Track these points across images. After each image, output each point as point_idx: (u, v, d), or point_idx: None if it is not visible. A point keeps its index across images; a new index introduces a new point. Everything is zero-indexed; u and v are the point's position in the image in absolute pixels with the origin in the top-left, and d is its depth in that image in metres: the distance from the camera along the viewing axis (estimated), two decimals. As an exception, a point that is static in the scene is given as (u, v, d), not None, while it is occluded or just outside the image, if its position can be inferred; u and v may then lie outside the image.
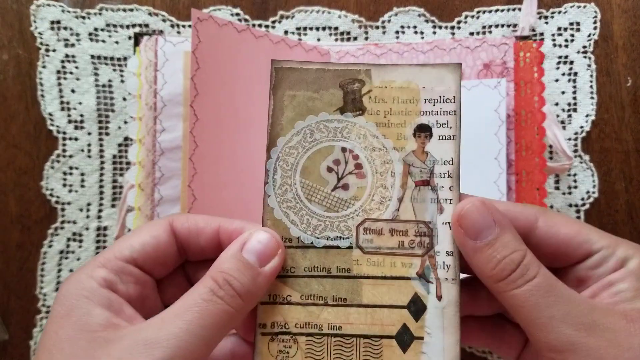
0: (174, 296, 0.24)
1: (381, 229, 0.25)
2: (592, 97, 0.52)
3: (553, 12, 0.53)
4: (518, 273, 0.22)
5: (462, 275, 0.25)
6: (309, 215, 0.25)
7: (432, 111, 0.25)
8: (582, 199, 0.51)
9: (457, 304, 0.24)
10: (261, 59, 0.46)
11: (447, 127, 0.25)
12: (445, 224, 0.25)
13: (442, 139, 0.25)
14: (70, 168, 0.51)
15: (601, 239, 0.24)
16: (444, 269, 0.24)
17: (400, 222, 0.25)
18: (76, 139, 0.51)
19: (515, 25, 0.52)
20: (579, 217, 0.51)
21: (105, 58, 0.51)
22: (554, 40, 0.52)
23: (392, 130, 0.25)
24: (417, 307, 0.24)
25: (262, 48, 0.46)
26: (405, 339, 0.24)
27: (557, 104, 0.52)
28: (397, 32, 0.53)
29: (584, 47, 0.52)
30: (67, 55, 0.51)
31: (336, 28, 0.53)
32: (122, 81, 0.51)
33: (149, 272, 0.25)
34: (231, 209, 0.43)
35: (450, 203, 0.25)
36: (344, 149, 0.25)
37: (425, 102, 0.25)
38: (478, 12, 0.53)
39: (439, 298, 0.24)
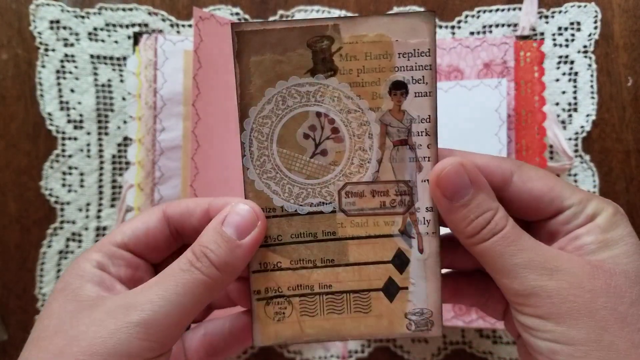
0: None
1: (362, 191, 0.25)
2: (592, 97, 0.52)
3: (553, 12, 0.52)
4: (487, 229, 0.23)
5: (442, 230, 0.26)
6: (290, 184, 0.25)
7: (406, 66, 0.24)
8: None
9: (437, 254, 0.26)
10: None
11: (423, 82, 0.25)
12: (424, 181, 0.25)
13: (418, 96, 0.25)
14: (70, 168, 0.51)
15: (573, 195, 0.25)
16: (424, 224, 0.25)
17: (381, 183, 0.25)
18: (75, 138, 0.51)
19: (515, 25, 0.52)
20: (579, 217, 0.51)
21: (105, 57, 0.51)
22: (554, 39, 0.52)
23: (366, 90, 0.24)
24: (401, 261, 0.25)
25: None
26: (391, 290, 0.26)
27: (557, 104, 0.52)
28: (397, 31, 0.53)
29: (585, 46, 0.52)
30: (66, 55, 0.51)
31: (336, 27, 0.53)
32: (122, 81, 0.51)
33: (141, 255, 0.27)
34: None
35: (429, 161, 0.25)
36: (318, 114, 0.25)
37: (399, 57, 0.24)
38: (478, 11, 0.53)
39: (421, 251, 0.26)
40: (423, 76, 0.24)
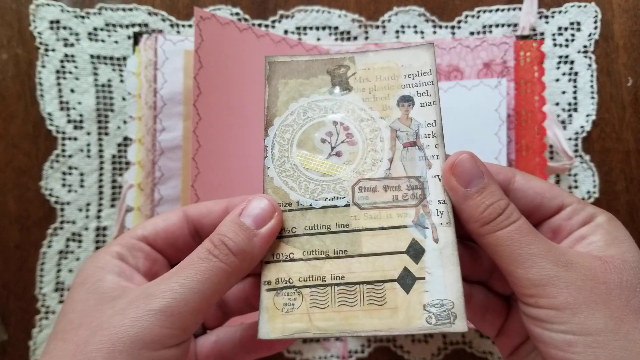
0: None
1: (375, 186, 0.26)
2: (592, 97, 0.52)
3: (554, 12, 0.52)
4: (503, 216, 0.24)
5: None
6: (307, 181, 0.26)
7: (412, 84, 0.27)
8: (583, 199, 0.51)
9: (453, 244, 0.25)
10: (262, 58, 0.46)
11: (427, 95, 0.27)
12: (435, 177, 0.26)
13: (424, 105, 0.27)
14: (70, 168, 0.51)
15: (571, 196, 0.26)
16: (437, 215, 0.26)
17: (393, 179, 0.26)
18: (75, 138, 0.51)
19: (515, 25, 0.52)
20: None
21: (105, 58, 0.51)
22: (554, 39, 0.52)
23: (377, 103, 0.27)
24: (415, 251, 0.25)
25: (263, 47, 0.46)
26: (407, 280, 0.25)
27: (557, 104, 0.52)
28: (397, 31, 0.53)
29: (585, 46, 0.52)
30: (66, 55, 0.51)
31: (336, 28, 0.53)
32: (122, 81, 0.51)
33: (160, 250, 0.28)
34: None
35: (437, 159, 0.26)
36: (335, 122, 0.27)
37: (405, 77, 0.27)
38: (478, 11, 0.53)
39: (436, 241, 0.25)
40: (427, 90, 0.27)
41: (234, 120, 0.44)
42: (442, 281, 0.25)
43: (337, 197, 0.26)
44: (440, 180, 0.26)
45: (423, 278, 0.25)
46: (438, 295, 0.24)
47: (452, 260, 0.25)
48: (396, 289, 0.25)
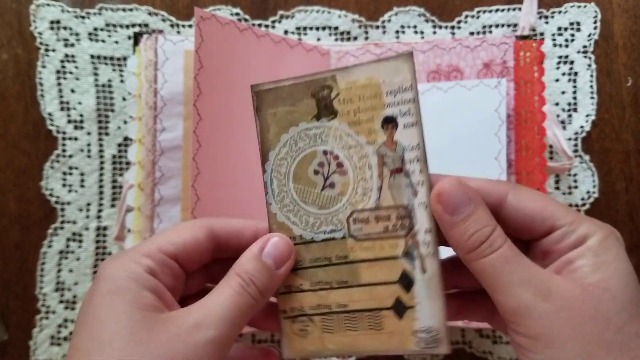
0: (193, 287, 0.29)
1: (367, 217, 0.28)
2: (592, 97, 0.52)
3: (553, 12, 0.52)
4: (486, 244, 0.24)
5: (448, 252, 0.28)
6: (306, 215, 0.28)
7: (394, 102, 0.27)
8: (583, 199, 0.51)
9: (438, 274, 0.27)
10: (262, 58, 0.46)
11: (409, 114, 0.27)
12: (420, 204, 0.27)
13: (406, 127, 0.27)
14: (70, 168, 0.51)
15: (566, 216, 0.25)
16: (424, 245, 0.27)
17: (383, 209, 0.28)
18: (76, 138, 0.51)
19: (515, 25, 0.52)
20: (579, 217, 0.51)
21: (105, 58, 0.51)
22: (554, 40, 0.52)
23: (363, 127, 0.28)
24: (406, 281, 0.27)
25: (264, 47, 0.46)
26: (399, 309, 0.27)
27: (557, 104, 0.52)
28: (397, 31, 0.53)
29: (585, 47, 0.52)
30: (66, 55, 0.51)
31: (336, 28, 0.53)
32: (122, 81, 0.51)
33: (182, 266, 0.28)
34: (236, 209, 0.43)
35: (422, 185, 0.27)
36: (325, 152, 0.28)
37: (387, 95, 0.27)
38: (478, 11, 0.53)
39: (424, 271, 0.27)
40: (409, 108, 0.27)
41: (234, 120, 0.44)
42: (429, 311, 0.27)
43: (335, 230, 0.28)
44: (426, 208, 0.27)
45: (413, 307, 0.27)
46: (426, 323, 0.27)
47: (437, 291, 0.27)
48: (391, 316, 0.27)
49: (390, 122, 0.27)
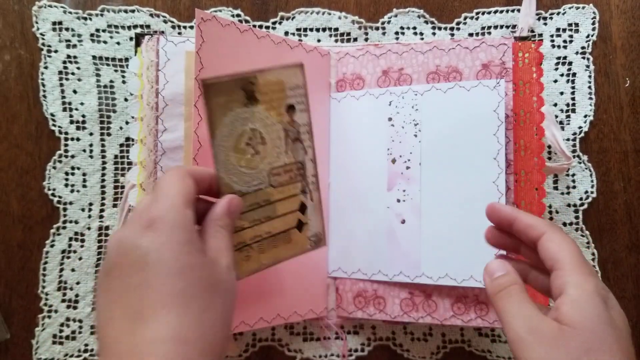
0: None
1: (279, 172, 0.40)
2: (590, 98, 0.52)
3: (552, 13, 0.53)
4: (505, 292, 0.35)
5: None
6: (242, 175, 0.38)
7: (292, 95, 0.40)
8: (581, 199, 0.52)
9: (319, 200, 0.42)
10: (263, 59, 0.47)
11: (302, 104, 0.40)
12: (309, 160, 0.41)
13: (301, 112, 0.40)
14: (72, 168, 0.51)
15: (565, 266, 0.33)
16: (312, 184, 0.42)
17: (288, 165, 0.40)
18: (78, 139, 0.51)
19: (514, 27, 0.53)
20: (577, 217, 0.52)
21: (107, 59, 0.52)
22: (552, 41, 0.53)
23: (275, 111, 0.39)
24: (303, 208, 0.42)
25: (264, 48, 0.47)
26: (300, 226, 0.42)
27: (555, 105, 0.52)
28: (396, 33, 0.53)
29: (583, 48, 0.53)
30: (68, 56, 0.51)
31: (336, 29, 0.53)
32: (124, 82, 0.52)
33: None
34: None
35: (309, 148, 0.41)
36: (253, 129, 0.39)
37: (288, 90, 0.39)
38: (477, 13, 0.53)
39: (312, 200, 0.42)
40: (302, 100, 0.40)
41: None
42: (315, 223, 0.42)
43: (261, 183, 0.39)
44: (311, 161, 0.41)
45: (307, 223, 0.42)
46: (313, 231, 0.43)
47: (319, 210, 0.42)
48: (295, 232, 0.42)
49: (290, 109, 0.40)
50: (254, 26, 0.53)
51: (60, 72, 0.51)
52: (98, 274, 0.33)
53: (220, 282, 0.32)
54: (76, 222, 0.51)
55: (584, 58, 0.53)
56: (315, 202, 0.42)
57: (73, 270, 0.51)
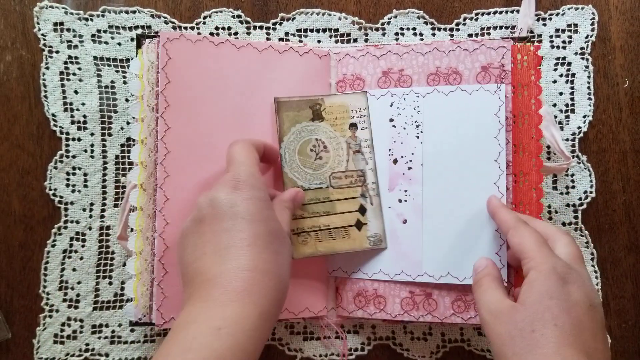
0: None
1: (340, 176, 0.49)
2: (589, 98, 0.53)
3: (551, 14, 0.53)
4: (477, 283, 0.41)
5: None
6: (305, 174, 0.48)
7: (356, 116, 0.49)
8: (580, 199, 0.52)
9: (379, 205, 0.49)
10: (244, 67, 0.48)
11: (364, 123, 0.49)
12: (369, 169, 0.49)
13: (362, 129, 0.49)
14: (74, 168, 0.51)
15: (528, 252, 0.38)
16: (372, 190, 0.49)
17: (349, 171, 0.49)
18: (79, 139, 0.51)
19: (513, 27, 0.53)
20: (576, 217, 0.52)
21: (108, 59, 0.52)
22: (551, 41, 0.53)
23: (338, 127, 0.49)
24: (362, 210, 0.48)
25: (246, 57, 0.48)
26: (359, 225, 0.48)
27: (555, 105, 0.53)
28: (396, 33, 0.53)
29: (582, 48, 0.53)
30: (70, 57, 0.52)
31: (336, 30, 0.53)
32: (125, 82, 0.52)
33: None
34: None
35: (370, 159, 0.49)
36: (317, 139, 0.49)
37: (352, 112, 0.49)
38: (477, 14, 0.53)
39: (372, 204, 0.49)
40: (364, 119, 0.49)
41: (204, 128, 0.47)
42: (374, 225, 0.48)
43: (322, 183, 0.48)
44: (371, 171, 0.49)
45: (366, 223, 0.48)
46: (373, 232, 0.48)
47: (379, 214, 0.48)
48: (354, 230, 0.48)
49: (353, 126, 0.49)
50: (254, 27, 0.53)
51: (61, 73, 0.51)
52: (185, 227, 0.39)
53: (286, 238, 0.40)
54: (77, 222, 0.51)
55: (583, 59, 0.53)
56: (375, 206, 0.48)
57: (74, 270, 0.51)
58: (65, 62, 0.52)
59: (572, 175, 0.52)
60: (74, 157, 0.51)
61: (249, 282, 0.34)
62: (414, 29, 0.53)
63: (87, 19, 0.52)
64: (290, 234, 0.42)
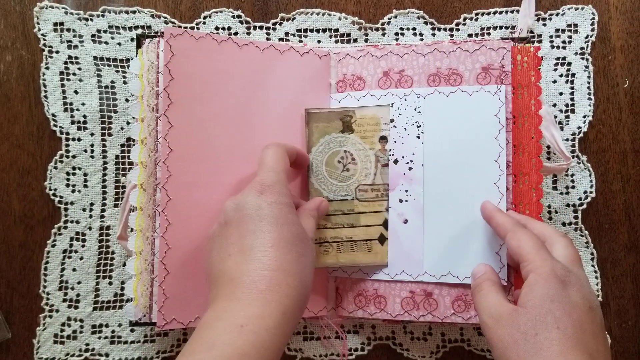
0: None
1: (367, 189, 0.48)
2: (589, 98, 0.53)
3: (551, 14, 0.53)
4: (477, 288, 0.41)
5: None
6: (331, 185, 0.48)
7: (385, 128, 0.48)
8: (580, 199, 0.52)
9: (403, 223, 0.48)
10: (246, 66, 0.48)
11: (391, 136, 0.48)
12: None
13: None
14: (74, 168, 0.51)
15: (527, 255, 0.38)
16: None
17: (375, 184, 0.48)
18: (79, 139, 0.51)
19: (513, 27, 0.53)
20: (576, 217, 0.52)
21: (108, 60, 0.52)
22: (551, 41, 0.53)
23: (368, 140, 0.49)
24: (385, 225, 0.48)
25: (248, 55, 0.48)
26: (382, 239, 0.48)
27: (555, 105, 0.53)
28: (396, 34, 0.53)
29: (582, 48, 0.53)
30: (70, 57, 0.52)
31: (336, 30, 0.53)
32: (125, 82, 0.52)
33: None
34: (205, 209, 0.46)
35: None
36: (345, 151, 0.49)
37: (382, 124, 0.48)
38: (477, 14, 0.53)
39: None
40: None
41: (207, 126, 0.46)
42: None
43: (347, 195, 0.48)
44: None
45: (387, 238, 0.48)
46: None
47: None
48: (377, 244, 0.48)
49: (383, 139, 0.48)
50: (255, 27, 0.53)
51: (61, 73, 0.51)
52: (212, 231, 0.40)
53: (309, 242, 0.40)
54: (77, 222, 0.51)
55: (583, 59, 0.53)
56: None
57: (74, 270, 0.51)
58: (65, 62, 0.52)
59: (572, 175, 0.52)
60: (74, 157, 0.51)
61: (272, 281, 0.35)
62: (414, 29, 0.53)
63: (87, 19, 0.52)
64: (314, 238, 0.42)
